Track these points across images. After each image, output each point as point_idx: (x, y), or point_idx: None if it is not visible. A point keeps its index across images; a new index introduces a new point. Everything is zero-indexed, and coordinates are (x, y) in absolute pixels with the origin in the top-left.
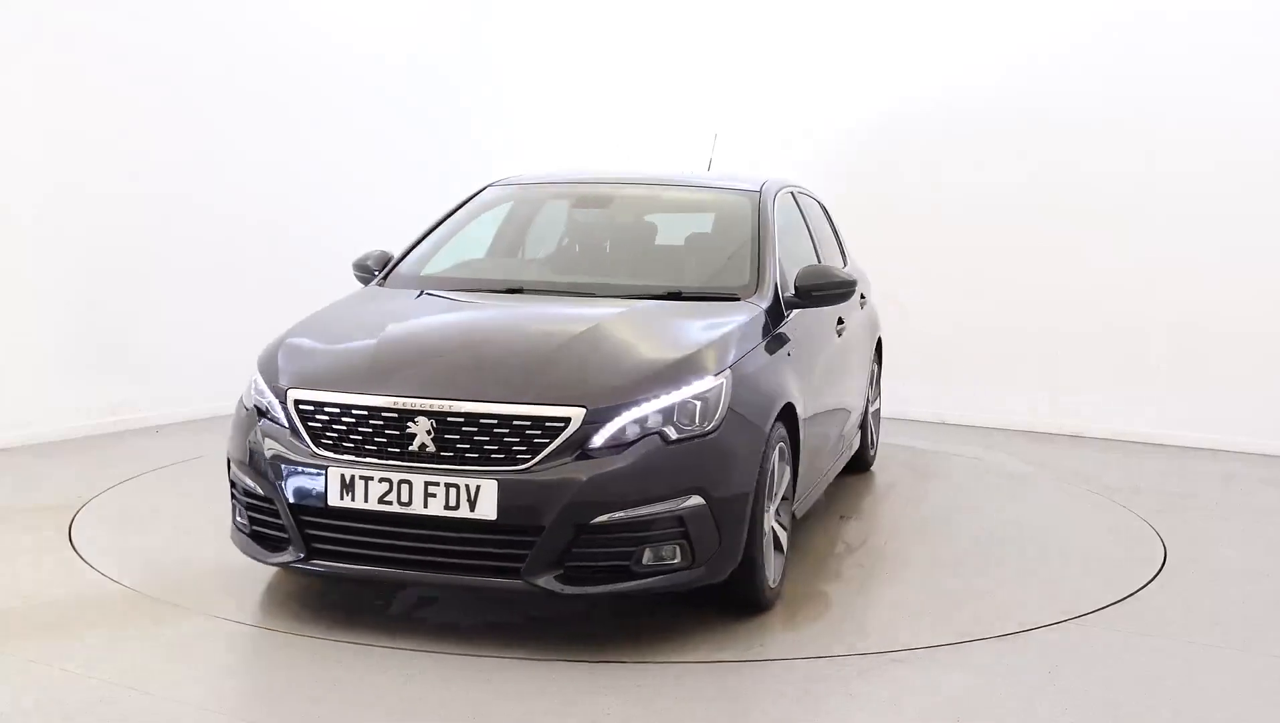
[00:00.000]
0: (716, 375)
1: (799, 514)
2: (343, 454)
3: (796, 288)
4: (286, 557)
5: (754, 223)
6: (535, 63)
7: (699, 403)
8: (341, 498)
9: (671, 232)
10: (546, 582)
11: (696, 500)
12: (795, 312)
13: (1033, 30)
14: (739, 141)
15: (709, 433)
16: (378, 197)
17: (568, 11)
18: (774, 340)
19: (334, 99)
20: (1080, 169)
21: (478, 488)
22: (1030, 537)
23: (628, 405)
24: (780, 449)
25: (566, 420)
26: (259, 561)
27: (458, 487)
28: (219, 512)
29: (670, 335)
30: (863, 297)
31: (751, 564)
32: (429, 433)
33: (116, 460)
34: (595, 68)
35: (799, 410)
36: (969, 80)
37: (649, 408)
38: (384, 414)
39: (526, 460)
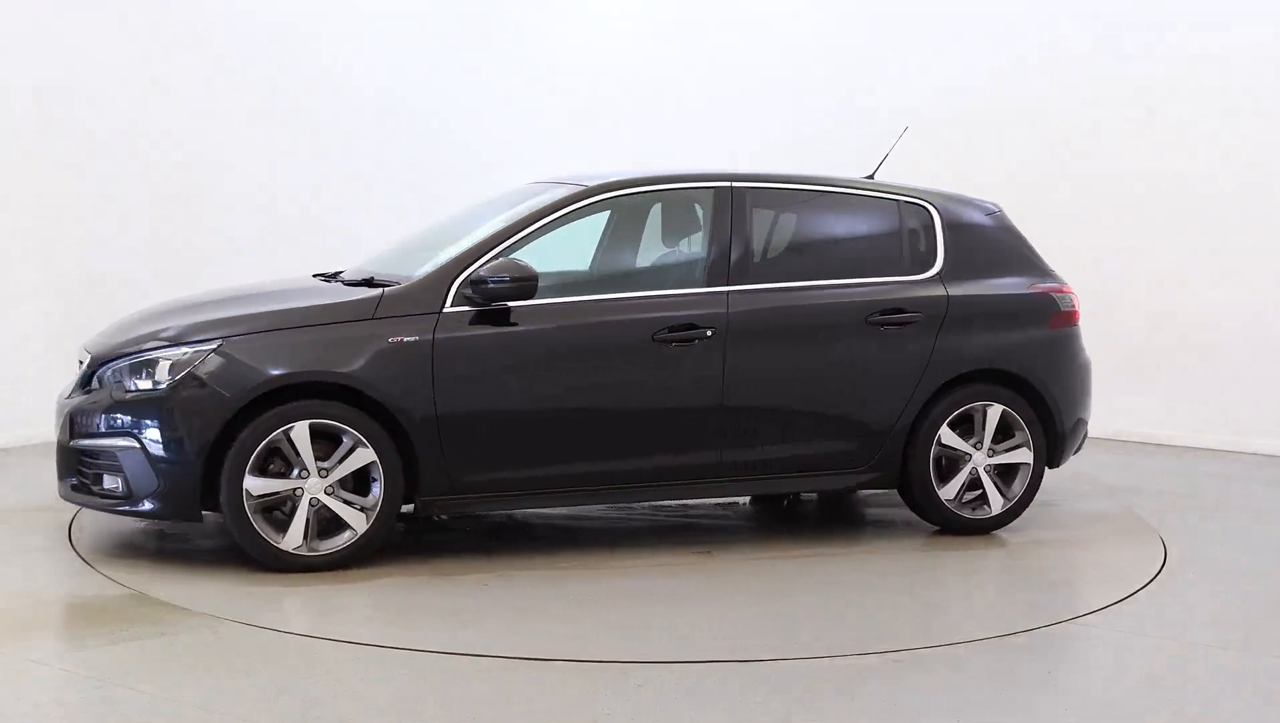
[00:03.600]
0: (197, 344)
1: (446, 514)
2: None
3: (471, 282)
4: None
5: (513, 222)
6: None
7: (164, 363)
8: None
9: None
10: (63, 489)
11: (129, 442)
12: (530, 305)
13: (1034, 29)
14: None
15: (157, 389)
16: (382, 200)
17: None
18: (375, 328)
19: (337, 101)
20: (1081, 168)
21: (65, 411)
22: (1029, 536)
23: (113, 357)
24: (338, 430)
25: (87, 363)
26: None
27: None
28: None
29: (219, 311)
30: (899, 311)
31: (229, 520)
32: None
33: None
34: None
35: (395, 401)
36: (977, 72)
37: (127, 362)
38: (86, 359)
39: (81, 393)
